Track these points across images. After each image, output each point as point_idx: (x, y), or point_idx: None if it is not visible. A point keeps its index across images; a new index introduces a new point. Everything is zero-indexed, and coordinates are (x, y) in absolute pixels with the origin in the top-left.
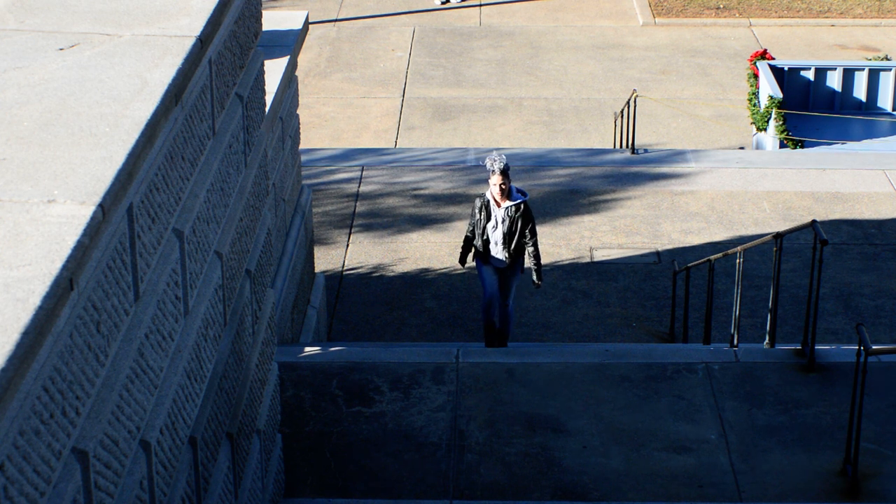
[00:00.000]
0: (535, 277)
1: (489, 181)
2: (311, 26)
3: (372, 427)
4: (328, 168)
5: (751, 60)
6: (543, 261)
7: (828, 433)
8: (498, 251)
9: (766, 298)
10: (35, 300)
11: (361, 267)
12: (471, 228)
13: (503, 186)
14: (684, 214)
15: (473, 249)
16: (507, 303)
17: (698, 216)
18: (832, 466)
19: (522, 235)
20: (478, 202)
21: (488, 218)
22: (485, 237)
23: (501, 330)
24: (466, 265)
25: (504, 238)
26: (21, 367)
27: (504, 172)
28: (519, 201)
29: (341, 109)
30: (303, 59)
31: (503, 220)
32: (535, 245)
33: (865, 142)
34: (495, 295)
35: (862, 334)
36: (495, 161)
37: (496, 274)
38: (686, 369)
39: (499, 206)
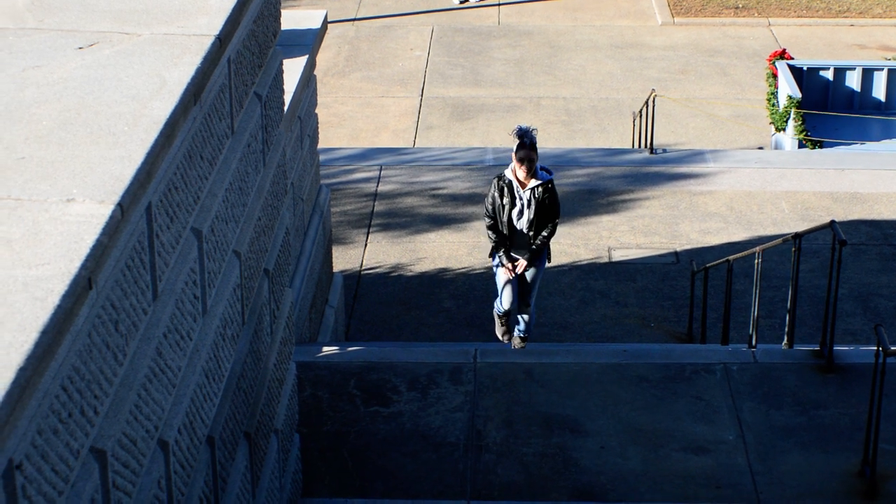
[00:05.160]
0: (538, 244)
1: (514, 155)
2: (329, 25)
3: (390, 427)
4: (346, 167)
5: (769, 60)
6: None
7: (846, 434)
8: (523, 240)
9: (785, 299)
10: (54, 299)
11: (379, 267)
12: (489, 216)
13: (530, 165)
14: (703, 214)
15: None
16: (529, 302)
17: (717, 216)
18: (850, 467)
19: (548, 220)
20: (497, 183)
21: (512, 202)
22: (509, 224)
23: (522, 338)
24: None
25: (530, 225)
26: (40, 366)
27: (535, 147)
28: (546, 180)
29: (360, 109)
30: (321, 58)
31: (529, 204)
32: (554, 228)
33: (884, 142)
34: (514, 299)
35: (880, 335)
36: (526, 132)
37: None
38: (704, 370)
39: (523, 186)
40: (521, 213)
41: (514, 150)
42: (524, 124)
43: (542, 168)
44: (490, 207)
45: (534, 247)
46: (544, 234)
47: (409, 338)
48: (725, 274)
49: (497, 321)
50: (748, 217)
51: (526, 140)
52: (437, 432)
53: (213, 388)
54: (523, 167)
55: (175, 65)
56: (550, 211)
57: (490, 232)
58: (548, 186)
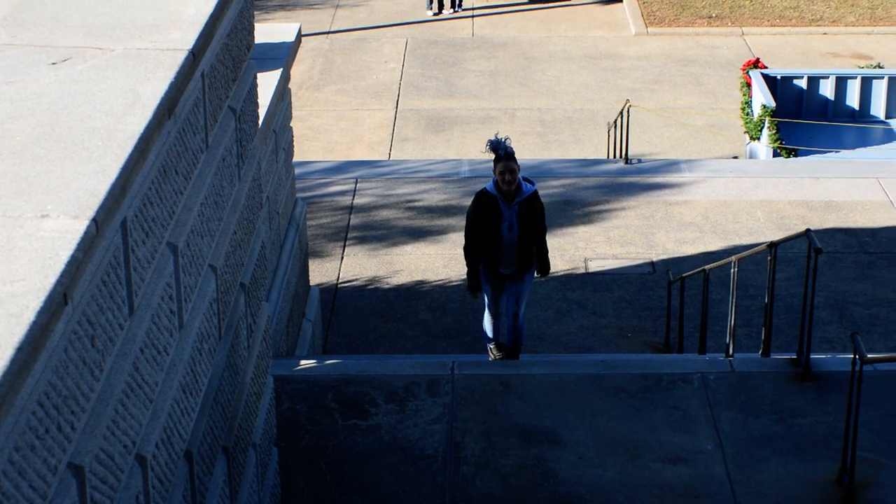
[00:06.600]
0: (543, 274)
1: (494, 170)
2: (303, 39)
3: (367, 440)
4: (322, 180)
5: (743, 69)
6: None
7: (823, 442)
8: (512, 255)
9: (761, 308)
10: (29, 315)
11: (356, 279)
12: (471, 235)
13: (512, 176)
14: (678, 224)
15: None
16: (519, 312)
17: (692, 226)
18: (828, 475)
19: (537, 232)
20: (480, 200)
21: (500, 219)
22: (498, 241)
23: (512, 348)
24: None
25: (521, 239)
26: (16, 383)
27: (513, 156)
28: (532, 192)
29: (335, 121)
30: (296, 71)
31: (519, 220)
32: (545, 241)
33: (859, 150)
34: (505, 310)
35: (857, 343)
36: (499, 144)
37: (501, 284)
38: (681, 379)
39: (509, 200)
40: (510, 229)
41: (493, 163)
42: (494, 136)
43: (525, 179)
44: (471, 226)
45: (527, 253)
46: (541, 251)
47: (386, 350)
48: (702, 283)
49: (490, 353)
50: (724, 226)
51: (500, 152)
52: (415, 445)
53: (191, 403)
54: (505, 179)
55: (149, 79)
56: (540, 222)
57: (467, 259)
58: (534, 198)
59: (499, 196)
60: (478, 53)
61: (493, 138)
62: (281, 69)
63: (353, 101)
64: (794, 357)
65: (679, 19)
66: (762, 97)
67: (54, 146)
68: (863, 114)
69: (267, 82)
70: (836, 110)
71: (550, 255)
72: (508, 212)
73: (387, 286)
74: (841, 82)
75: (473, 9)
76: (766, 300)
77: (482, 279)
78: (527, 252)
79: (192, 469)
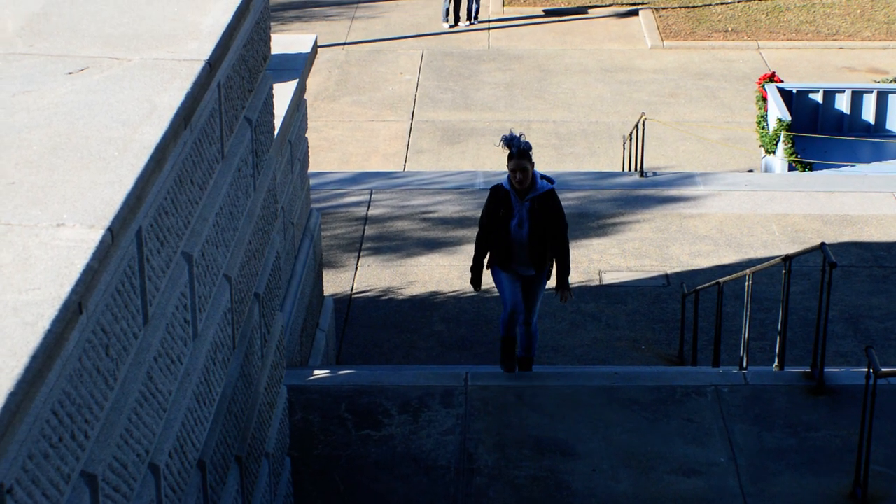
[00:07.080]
0: (559, 287)
1: (507, 166)
2: (319, 50)
3: (381, 450)
4: (337, 191)
5: (759, 83)
6: (553, 283)
7: (837, 456)
8: (524, 254)
9: (775, 321)
10: (44, 324)
11: (370, 290)
12: (481, 227)
13: (523, 173)
14: (693, 237)
15: (489, 257)
16: (531, 320)
17: (707, 239)
18: (842, 489)
19: (554, 232)
20: (494, 194)
21: (511, 214)
22: (507, 238)
23: (525, 357)
24: (482, 285)
25: (531, 238)
26: (30, 391)
27: (526, 153)
28: (547, 189)
29: (350, 133)
30: (311, 82)
31: (529, 216)
32: (565, 243)
33: (874, 164)
34: (519, 305)
35: (871, 357)
36: (512, 139)
37: (518, 281)
38: (695, 392)
39: (521, 197)
40: (520, 226)
41: (507, 160)
42: (509, 133)
43: (543, 177)
44: (484, 219)
45: (541, 253)
46: (560, 255)
47: (399, 361)
48: (716, 296)
49: (502, 349)
50: (738, 240)
51: (513, 149)
52: (429, 455)
53: (204, 412)
54: (517, 177)
55: (165, 90)
56: (554, 222)
57: (475, 251)
58: (548, 196)
59: (511, 191)
60: (493, 66)
61: (507, 134)
62: (297, 80)
63: (368, 113)
64: (809, 370)
65: (695, 33)
66: (778, 111)
67: (71, 156)
68: (878, 128)
69: (283, 93)
70: (851, 124)
71: None
72: (520, 207)
73: (401, 297)
74: (857, 97)
75: (489, 21)
76: (781, 313)
77: (500, 278)
78: (539, 252)
79: (204, 478)
